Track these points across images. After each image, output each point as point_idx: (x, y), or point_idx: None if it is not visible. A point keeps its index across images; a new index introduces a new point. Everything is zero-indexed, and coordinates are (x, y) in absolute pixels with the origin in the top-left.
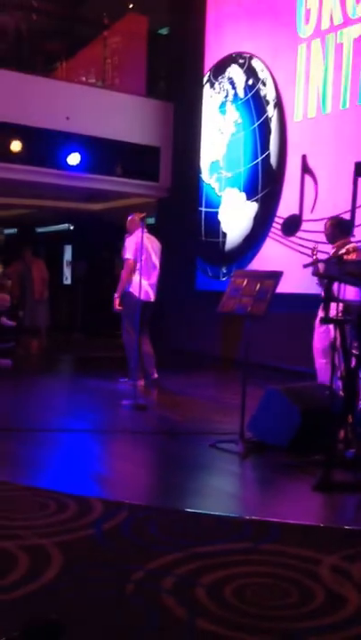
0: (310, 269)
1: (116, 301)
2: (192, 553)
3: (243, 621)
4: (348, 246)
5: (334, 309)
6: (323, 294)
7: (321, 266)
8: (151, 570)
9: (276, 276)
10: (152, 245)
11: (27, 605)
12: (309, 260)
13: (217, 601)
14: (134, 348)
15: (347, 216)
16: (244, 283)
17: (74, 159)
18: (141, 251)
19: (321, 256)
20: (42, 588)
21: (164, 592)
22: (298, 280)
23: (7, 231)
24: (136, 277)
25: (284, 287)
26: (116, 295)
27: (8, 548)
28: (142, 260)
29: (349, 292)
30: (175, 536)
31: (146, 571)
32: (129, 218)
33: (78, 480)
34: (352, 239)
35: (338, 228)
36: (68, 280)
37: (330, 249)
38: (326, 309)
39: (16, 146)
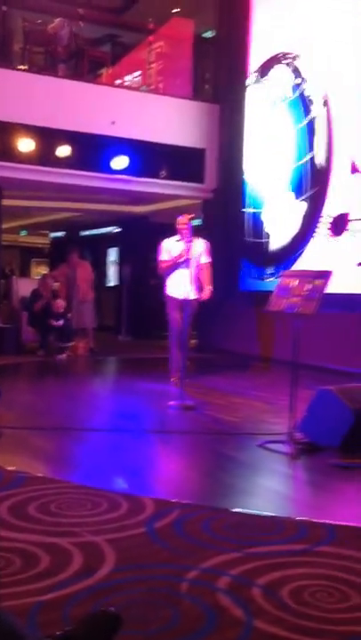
0: None
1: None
2: (247, 553)
3: (302, 624)
4: None
5: None
6: None
7: None
8: (206, 569)
9: (325, 275)
10: None
11: (83, 600)
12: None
13: (274, 602)
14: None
15: None
16: (293, 282)
17: (119, 163)
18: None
19: None
20: (97, 584)
21: (219, 592)
22: (346, 280)
23: (54, 234)
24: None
25: (331, 287)
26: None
27: (62, 544)
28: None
29: None
30: (228, 536)
31: (200, 570)
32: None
33: (129, 479)
34: None
35: None
36: (113, 282)
37: None
38: None
39: (63, 151)
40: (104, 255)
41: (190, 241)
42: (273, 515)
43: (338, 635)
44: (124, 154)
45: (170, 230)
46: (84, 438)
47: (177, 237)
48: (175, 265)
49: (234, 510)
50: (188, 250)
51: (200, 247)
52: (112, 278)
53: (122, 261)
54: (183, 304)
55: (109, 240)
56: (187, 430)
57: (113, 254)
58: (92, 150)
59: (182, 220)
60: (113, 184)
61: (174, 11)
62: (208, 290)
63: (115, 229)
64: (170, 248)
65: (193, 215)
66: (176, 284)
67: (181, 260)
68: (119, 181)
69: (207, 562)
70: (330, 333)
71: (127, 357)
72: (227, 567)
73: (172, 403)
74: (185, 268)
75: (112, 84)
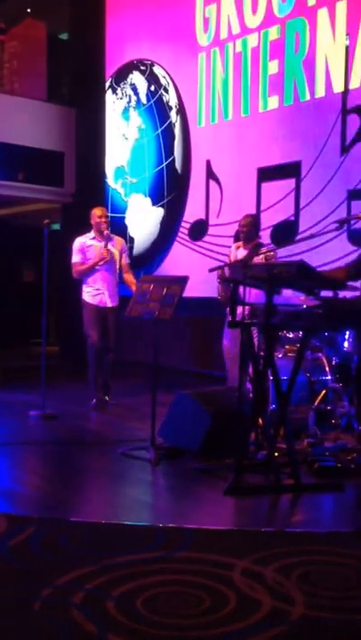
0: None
1: None
2: (103, 565)
3: (154, 632)
4: (267, 254)
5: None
6: (219, 297)
7: (227, 270)
8: (60, 585)
9: (182, 280)
10: None
11: None
12: (216, 264)
13: (128, 613)
14: None
15: None
16: (151, 287)
17: None
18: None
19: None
20: None
21: (73, 607)
22: (206, 284)
23: None
24: None
25: (192, 291)
26: None
27: None
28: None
29: (255, 295)
30: (86, 549)
31: (55, 586)
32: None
33: None
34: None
35: (255, 227)
36: None
37: (236, 249)
38: (233, 313)
39: None
40: None
41: (111, 239)
42: (132, 523)
43: None
44: None
45: (30, 234)
46: None
47: (91, 235)
48: (93, 268)
49: (93, 522)
50: (108, 250)
51: (120, 246)
52: None
53: None
54: (104, 312)
55: None
56: (48, 441)
57: None
58: None
59: (100, 213)
60: None
61: (28, 11)
62: None
63: None
64: (85, 248)
65: (48, 221)
66: (95, 290)
67: (102, 262)
68: None
69: (63, 577)
70: (190, 337)
71: None
72: (83, 581)
73: (32, 413)
74: (105, 270)
75: None
